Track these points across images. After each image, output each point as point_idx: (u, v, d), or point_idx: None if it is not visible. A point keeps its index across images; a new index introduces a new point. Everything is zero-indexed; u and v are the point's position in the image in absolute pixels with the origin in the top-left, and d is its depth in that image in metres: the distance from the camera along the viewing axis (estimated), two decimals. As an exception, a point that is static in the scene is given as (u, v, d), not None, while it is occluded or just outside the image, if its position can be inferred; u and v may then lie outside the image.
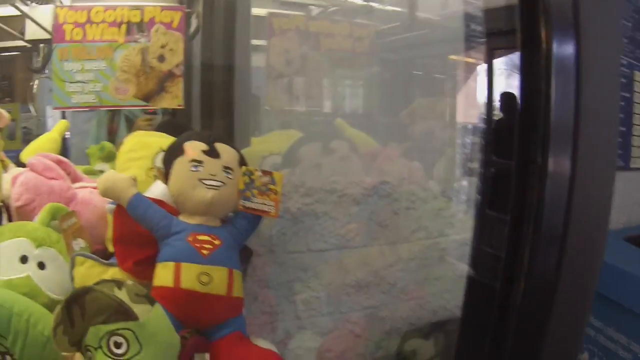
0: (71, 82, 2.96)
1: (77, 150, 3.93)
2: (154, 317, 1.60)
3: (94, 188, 2.36)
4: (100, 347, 1.52)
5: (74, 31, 3.00)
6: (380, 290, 2.37)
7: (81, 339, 1.55)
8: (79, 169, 2.80)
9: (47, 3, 3.38)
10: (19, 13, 3.38)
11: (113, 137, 4.11)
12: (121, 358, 1.51)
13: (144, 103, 3.04)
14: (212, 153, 2.01)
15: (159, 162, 2.09)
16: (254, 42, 3.06)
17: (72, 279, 2.02)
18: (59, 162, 2.58)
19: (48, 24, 3.36)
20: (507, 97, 2.55)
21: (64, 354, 1.68)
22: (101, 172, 2.96)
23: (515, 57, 1.81)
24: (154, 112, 3.80)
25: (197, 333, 1.91)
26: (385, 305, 2.37)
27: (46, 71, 3.66)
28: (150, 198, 2.02)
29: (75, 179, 2.66)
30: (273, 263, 2.29)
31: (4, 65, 3.75)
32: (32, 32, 3.44)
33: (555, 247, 1.68)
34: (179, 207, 2.01)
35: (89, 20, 3.00)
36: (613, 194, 1.70)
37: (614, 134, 1.78)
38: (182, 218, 1.98)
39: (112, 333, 1.52)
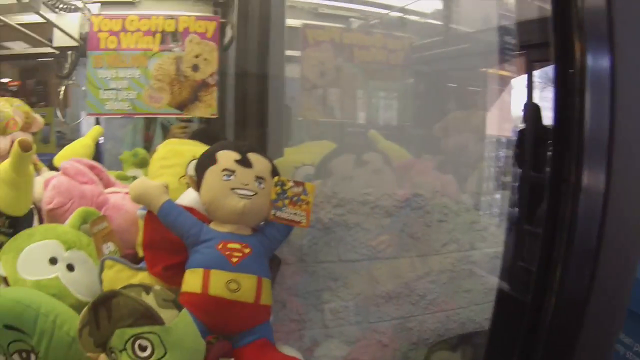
0: (105, 90, 2.98)
1: (111, 155, 3.96)
2: (180, 323, 1.60)
3: (126, 194, 2.37)
4: (125, 349, 1.52)
5: (108, 39, 3.02)
6: (410, 301, 2.35)
7: (106, 341, 1.55)
8: (111, 175, 2.83)
9: (75, 11, 3.41)
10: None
11: (149, 144, 4.14)
12: (145, 361, 1.51)
13: (178, 111, 3.05)
14: (245, 163, 2.00)
15: (191, 171, 2.08)
16: (288, 53, 3.05)
17: (101, 282, 2.03)
18: (91, 167, 2.60)
19: (75, 32, 3.40)
20: (534, 109, 2.54)
21: (89, 354, 1.68)
22: (134, 178, 2.98)
23: (550, 70, 1.80)
24: (189, 120, 3.81)
25: (222, 338, 1.90)
26: (413, 317, 2.35)
27: (73, 78, 3.69)
28: (181, 205, 2.02)
29: (107, 184, 2.68)
30: (303, 272, 2.28)
31: (40, 71, 3.79)
32: (60, 39, 3.47)
33: (588, 262, 1.64)
34: (210, 215, 2.01)
35: (124, 29, 3.02)
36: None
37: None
38: (212, 226, 1.98)
39: (138, 336, 1.52)
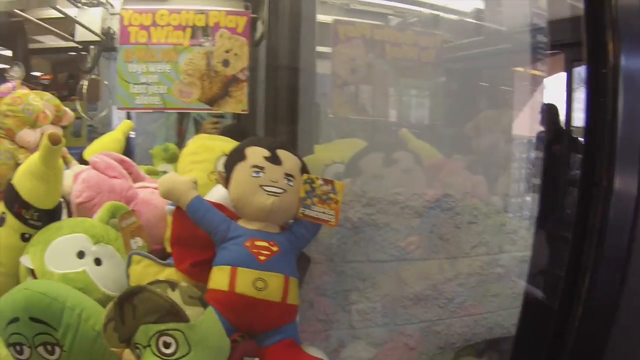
0: (135, 84, 2.98)
1: (142, 150, 3.97)
2: (205, 320, 1.59)
3: (155, 189, 2.37)
4: (149, 345, 1.52)
5: (138, 33, 3.03)
6: (437, 304, 2.31)
7: (131, 336, 1.55)
8: (141, 169, 2.83)
9: (97, 6, 3.42)
10: (72, 15, 3.42)
11: (181, 139, 4.15)
12: (169, 358, 1.51)
13: (208, 107, 3.05)
14: (274, 160, 1.98)
15: (220, 166, 2.08)
16: (319, 49, 3.04)
17: (128, 276, 2.03)
18: (121, 162, 2.60)
19: (97, 27, 3.41)
20: (552, 110, 2.50)
21: (113, 349, 1.68)
22: (164, 172, 2.98)
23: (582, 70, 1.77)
24: (221, 116, 3.81)
25: (248, 337, 1.89)
26: (441, 320, 2.32)
27: (95, 72, 3.70)
28: (210, 202, 2.01)
29: (137, 178, 2.69)
30: (331, 271, 2.25)
31: (71, 65, 3.81)
32: (82, 34, 3.48)
33: (618, 268, 1.62)
34: (238, 212, 2.00)
35: (154, 23, 3.03)
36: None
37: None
38: (241, 223, 1.97)
39: (162, 333, 1.51)
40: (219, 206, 2.00)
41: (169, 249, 2.14)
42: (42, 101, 2.79)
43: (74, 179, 2.44)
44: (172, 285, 1.60)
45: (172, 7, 3.14)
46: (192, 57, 3.02)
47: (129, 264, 2.04)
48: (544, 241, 2.34)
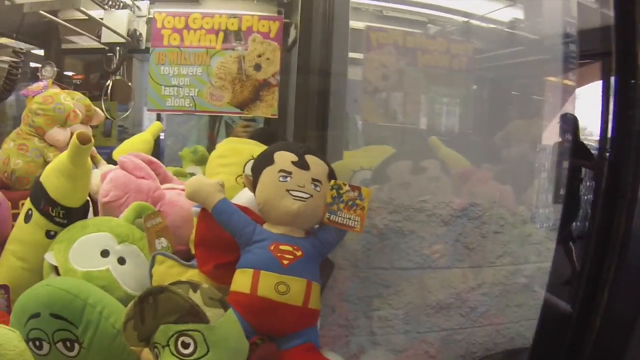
0: (167, 86, 2.99)
1: (172, 152, 3.99)
2: (225, 322, 1.58)
3: (182, 190, 2.37)
4: (168, 345, 1.51)
5: (171, 36, 3.04)
6: (460, 313, 2.30)
7: (150, 335, 1.54)
8: (169, 171, 2.83)
9: (123, 8, 3.44)
10: (99, 16, 3.45)
11: (212, 143, 4.15)
12: (188, 358, 1.50)
13: (238, 110, 3.05)
14: (302, 165, 1.98)
15: (248, 170, 2.08)
16: (351, 55, 3.03)
17: (151, 276, 2.03)
18: (149, 163, 2.61)
19: (123, 29, 3.43)
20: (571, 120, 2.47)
21: (132, 348, 1.68)
22: (191, 174, 3.00)
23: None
24: (253, 120, 3.82)
25: (269, 340, 1.88)
26: (463, 329, 2.30)
27: (119, 73, 3.73)
28: (236, 204, 2.01)
29: (164, 179, 2.69)
30: (355, 277, 2.25)
31: (102, 66, 3.83)
32: (109, 35, 3.51)
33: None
34: (264, 215, 2.00)
35: (187, 27, 3.05)
36: None
37: None
38: (266, 227, 1.97)
39: (181, 333, 1.51)
40: (245, 209, 2.00)
41: (193, 251, 2.14)
42: (73, 100, 2.81)
43: (102, 179, 2.45)
44: (194, 286, 1.59)
45: (205, 10, 3.16)
46: (224, 61, 3.03)
47: (152, 264, 2.04)
48: (563, 251, 2.32)
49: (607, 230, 1.66)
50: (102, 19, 3.44)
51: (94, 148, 2.61)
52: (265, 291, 1.83)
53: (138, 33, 3.49)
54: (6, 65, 3.07)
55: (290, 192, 1.93)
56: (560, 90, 2.53)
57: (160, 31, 3.06)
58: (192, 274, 2.01)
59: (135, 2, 3.51)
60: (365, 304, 2.25)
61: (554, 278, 2.15)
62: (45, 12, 3.17)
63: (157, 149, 3.54)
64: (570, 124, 2.43)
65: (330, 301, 2.21)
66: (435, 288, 2.27)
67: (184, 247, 2.33)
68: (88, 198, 2.32)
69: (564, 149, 2.41)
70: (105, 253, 2.07)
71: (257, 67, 3.02)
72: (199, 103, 2.99)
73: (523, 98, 3.01)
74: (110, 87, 3.70)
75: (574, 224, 2.39)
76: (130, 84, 3.76)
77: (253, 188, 2.02)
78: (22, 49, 3.15)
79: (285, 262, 1.87)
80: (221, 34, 3.05)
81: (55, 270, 2.04)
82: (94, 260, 2.04)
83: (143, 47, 3.52)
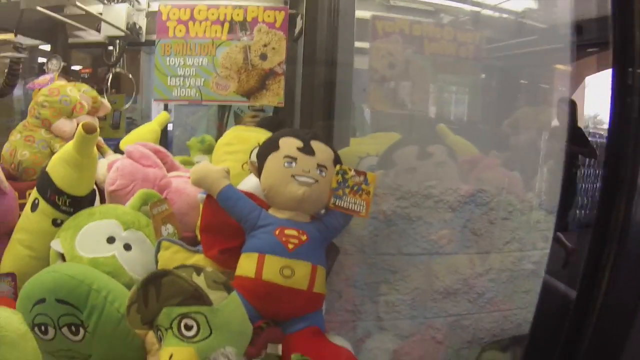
0: (173, 76, 3.00)
1: (180, 142, 4.00)
2: (228, 304, 1.58)
3: (189, 178, 2.37)
4: (171, 328, 1.51)
5: (177, 28, 3.04)
6: (467, 299, 2.29)
7: (153, 319, 1.54)
8: (176, 160, 2.84)
9: (123, 2, 3.46)
10: (99, 10, 3.48)
11: (221, 133, 4.15)
12: (190, 340, 1.50)
13: (244, 99, 3.05)
14: (307, 150, 1.98)
15: (254, 157, 2.08)
16: (357, 44, 3.02)
17: (157, 262, 2.03)
18: (156, 151, 2.62)
19: (122, 22, 3.44)
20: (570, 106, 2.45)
21: (137, 331, 1.70)
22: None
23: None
24: (261, 110, 3.83)
25: (274, 324, 1.88)
26: (470, 314, 2.29)
27: (119, 65, 3.74)
28: (241, 191, 2.01)
29: (171, 168, 2.71)
30: (362, 263, 2.24)
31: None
32: (108, 28, 3.53)
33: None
34: (269, 201, 2.00)
35: (192, 18, 3.06)
36: None
37: None
38: (271, 212, 1.96)
39: (184, 315, 1.51)
40: (250, 195, 2.00)
41: (200, 237, 2.14)
42: (79, 92, 2.82)
43: (108, 168, 2.46)
44: (198, 270, 1.59)
45: (210, 2, 3.16)
46: (230, 51, 3.04)
47: (158, 249, 2.04)
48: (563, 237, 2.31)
49: (607, 216, 1.65)
50: (101, 13, 3.46)
51: (101, 138, 2.63)
52: (270, 275, 1.83)
53: (138, 26, 3.52)
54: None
55: (296, 177, 1.93)
56: (568, 79, 2.52)
57: (166, 23, 3.07)
58: (198, 259, 2.00)
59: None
60: (373, 289, 2.24)
61: (555, 263, 2.14)
62: (44, 8, 3.17)
63: (165, 140, 3.55)
64: (566, 108, 2.42)
65: (337, 286, 2.20)
66: (443, 274, 2.26)
67: (190, 234, 2.34)
68: (95, 187, 2.32)
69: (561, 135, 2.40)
70: (111, 240, 2.08)
71: (263, 57, 3.03)
72: (205, 93, 3.00)
73: (532, 86, 3.00)
74: (111, 80, 3.72)
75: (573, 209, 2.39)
76: (130, 76, 3.77)
77: (258, 174, 2.02)
78: (21, 44, 3.16)
79: (291, 246, 1.86)
80: (226, 25, 3.06)
81: (62, 257, 2.05)
82: (100, 246, 2.05)
83: (143, 40, 3.55)
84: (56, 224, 2.17)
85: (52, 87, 2.79)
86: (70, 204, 2.17)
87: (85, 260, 1.99)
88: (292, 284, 1.84)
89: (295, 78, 3.33)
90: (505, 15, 2.99)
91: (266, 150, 2.02)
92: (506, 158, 2.54)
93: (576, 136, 2.16)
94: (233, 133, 2.68)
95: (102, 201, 2.44)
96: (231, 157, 2.51)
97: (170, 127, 3.90)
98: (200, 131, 4.20)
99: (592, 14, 2.25)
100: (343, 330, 2.16)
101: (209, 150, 3.32)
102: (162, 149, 2.71)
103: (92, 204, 2.29)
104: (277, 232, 1.89)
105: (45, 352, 1.71)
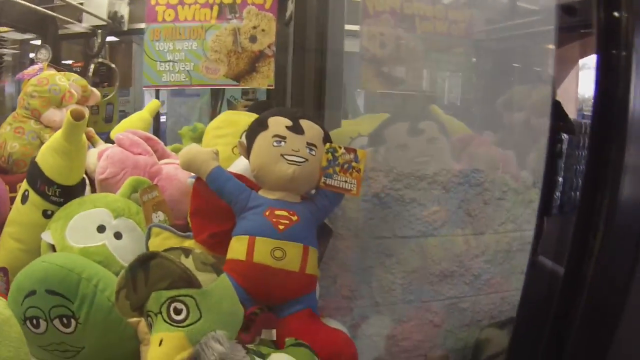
0: (162, 62, 2.97)
1: (172, 132, 4.00)
2: (218, 286, 1.57)
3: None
4: (160, 312, 1.49)
5: (165, 12, 3.01)
6: (464, 281, 2.28)
7: (143, 304, 1.53)
8: (168, 148, 2.82)
9: None
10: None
11: (215, 121, 4.17)
12: (180, 324, 1.48)
13: (235, 82, 3.02)
14: (296, 129, 1.96)
15: (243, 137, 2.06)
16: (348, 27, 2.99)
17: (147, 249, 2.02)
18: (147, 139, 2.61)
19: (103, 12, 3.42)
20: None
21: (128, 320, 1.69)
22: (190, 151, 2.98)
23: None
24: (255, 97, 3.81)
25: (267, 310, 1.86)
26: (467, 297, 2.29)
27: (100, 56, 3.75)
28: (231, 172, 2.00)
29: (163, 155, 2.70)
30: (357, 247, 2.22)
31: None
32: (90, 18, 3.55)
33: (629, 248, 1.55)
34: (259, 181, 1.98)
35: (181, 2, 3.01)
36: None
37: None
38: (261, 193, 1.95)
39: (173, 299, 1.49)
40: (240, 177, 1.99)
41: (190, 222, 2.12)
42: (68, 81, 2.81)
43: (99, 157, 2.45)
44: (186, 252, 1.58)
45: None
46: (219, 34, 3.00)
47: (148, 236, 2.04)
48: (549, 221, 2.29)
49: (593, 198, 1.62)
50: (81, 3, 3.45)
51: (92, 129, 2.61)
52: (261, 257, 1.81)
53: (119, 15, 3.50)
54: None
55: (285, 156, 1.91)
56: (562, 59, 2.50)
57: (155, 7, 3.03)
58: (189, 245, 1.98)
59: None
60: (368, 273, 2.23)
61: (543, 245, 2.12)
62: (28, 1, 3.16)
63: (158, 131, 3.53)
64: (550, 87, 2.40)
65: (332, 271, 2.19)
66: (438, 256, 2.26)
67: (182, 221, 2.32)
68: (85, 176, 2.31)
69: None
70: (101, 228, 2.07)
71: (253, 39, 2.99)
72: (195, 77, 2.96)
73: (524, 66, 2.97)
74: (100, 72, 3.71)
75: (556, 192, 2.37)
76: (113, 65, 3.75)
77: (247, 154, 2.01)
78: (4, 37, 3.14)
79: (281, 227, 1.84)
80: (216, 8, 3.01)
81: (53, 249, 2.05)
82: (91, 236, 2.04)
83: (125, 28, 3.55)
84: (47, 215, 2.15)
85: (41, 76, 2.78)
86: (60, 194, 2.15)
87: (75, 250, 1.98)
88: (284, 266, 1.82)
89: (287, 63, 3.30)
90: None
91: (255, 130, 2.01)
92: (499, 137, 2.52)
93: (556, 111, 2.13)
94: (223, 117, 2.68)
95: (93, 192, 2.42)
96: (221, 141, 2.49)
97: (163, 118, 3.89)
98: (193, 121, 4.19)
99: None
100: (339, 315, 2.14)
101: (200, 138, 3.30)
102: (152, 136, 2.71)
103: (82, 193, 2.27)
104: (267, 213, 1.87)
105: (38, 346, 1.71)
